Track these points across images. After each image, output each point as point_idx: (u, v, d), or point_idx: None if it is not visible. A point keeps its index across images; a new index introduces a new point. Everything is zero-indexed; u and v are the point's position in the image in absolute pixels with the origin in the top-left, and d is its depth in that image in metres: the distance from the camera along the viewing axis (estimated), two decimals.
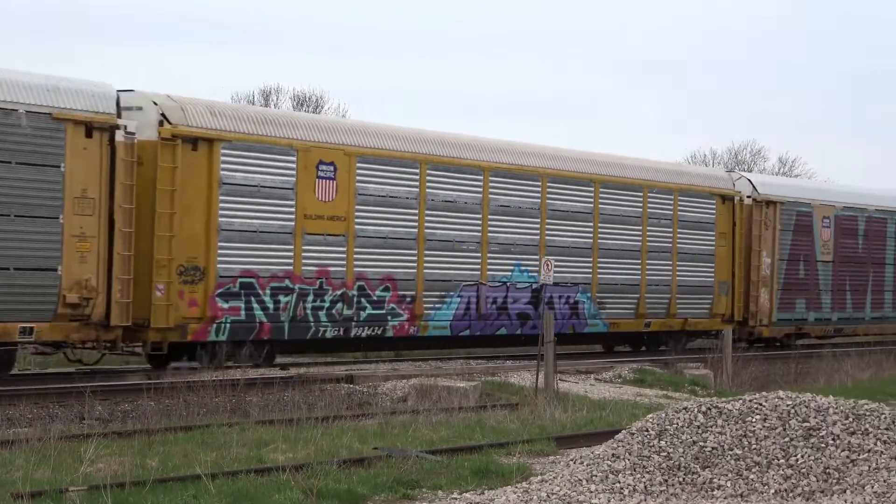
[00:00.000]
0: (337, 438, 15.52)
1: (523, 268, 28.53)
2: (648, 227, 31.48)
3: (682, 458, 12.12)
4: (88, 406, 18.47)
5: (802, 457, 11.87)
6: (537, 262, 28.27)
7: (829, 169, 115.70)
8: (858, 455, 11.76)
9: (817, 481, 11.59)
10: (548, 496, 11.73)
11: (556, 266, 27.01)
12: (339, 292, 24.84)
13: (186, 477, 12.29)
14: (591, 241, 30.12)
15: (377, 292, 25.56)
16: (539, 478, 12.60)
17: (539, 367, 22.04)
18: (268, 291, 23.65)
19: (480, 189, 27.64)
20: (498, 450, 14.91)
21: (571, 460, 12.89)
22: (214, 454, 14.11)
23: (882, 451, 11.75)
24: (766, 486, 11.65)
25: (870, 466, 11.60)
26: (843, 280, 37.52)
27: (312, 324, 24.45)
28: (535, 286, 28.59)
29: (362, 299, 25.29)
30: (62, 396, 18.92)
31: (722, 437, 12.26)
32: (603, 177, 30.58)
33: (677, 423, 12.54)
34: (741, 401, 12.75)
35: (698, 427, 12.44)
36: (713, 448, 12.18)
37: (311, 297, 24.35)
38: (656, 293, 31.64)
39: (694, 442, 12.27)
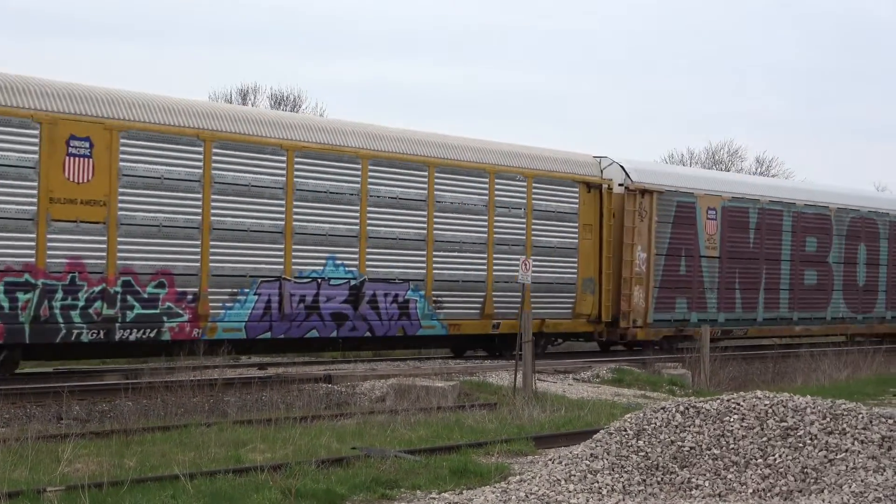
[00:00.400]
0: (315, 438, 15.50)
1: (339, 261, 25.12)
2: (496, 218, 28.12)
3: (660, 458, 12.13)
4: (66, 406, 18.42)
5: (780, 456, 11.89)
6: (356, 256, 25.35)
7: (807, 169, 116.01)
8: (836, 455, 11.79)
9: (795, 481, 11.62)
10: (526, 496, 11.74)
11: (380, 260, 25.50)
12: (97, 288, 21.38)
13: (164, 477, 12.26)
14: (426, 231, 26.71)
15: (149, 289, 22.14)
16: (517, 478, 12.60)
17: (517, 367, 22.04)
18: (0, 287, 20.27)
19: (284, 171, 24.29)
20: (476, 450, 14.91)
21: (550, 460, 12.90)
22: (192, 454, 14.09)
23: (859, 451, 11.78)
24: (744, 486, 11.67)
25: (847, 466, 11.63)
26: (731, 277, 34.28)
27: (62, 325, 20.96)
28: (354, 282, 25.31)
29: (129, 297, 21.82)
30: (39, 396, 18.85)
31: (700, 436, 12.29)
32: (439, 160, 27.13)
33: (655, 423, 12.56)
34: (719, 400, 12.77)
35: (676, 427, 12.46)
36: (691, 448, 12.20)
37: (59, 295, 20.90)
38: (506, 291, 28.14)
39: (672, 441, 12.29)
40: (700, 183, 34.03)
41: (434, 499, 12.09)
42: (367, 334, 25.56)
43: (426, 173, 26.81)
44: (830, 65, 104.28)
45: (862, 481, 11.39)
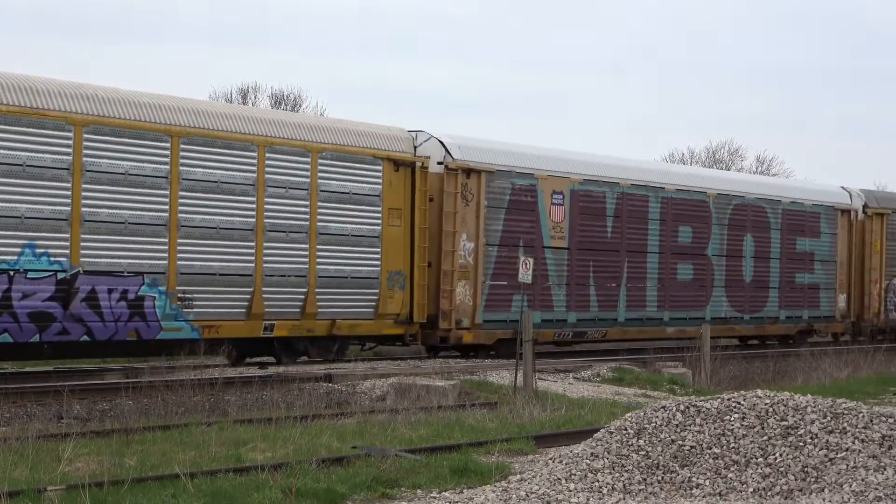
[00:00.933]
0: (316, 437, 15.51)
1: (41, 250, 20.82)
2: (269, 199, 23.81)
3: (660, 457, 12.13)
4: (66, 405, 18.42)
5: (781, 455, 11.89)
6: (66, 243, 21.13)
7: (807, 169, 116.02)
8: (836, 454, 11.79)
9: (795, 480, 11.61)
10: (527, 495, 11.74)
11: (100, 248, 21.50)
12: None
13: (165, 476, 12.26)
14: (167, 215, 22.52)
15: None
16: (518, 477, 12.60)
17: (518, 366, 22.04)
18: None
19: None
20: (477, 449, 14.91)
21: (550, 459, 12.90)
22: (193, 453, 14.09)
23: (860, 450, 11.78)
24: (745, 485, 11.67)
25: (848, 465, 11.63)
26: (584, 272, 29.99)
27: None
28: (63, 275, 21.04)
29: None
30: (40, 395, 18.85)
31: (700, 435, 12.28)
32: (185, 129, 22.75)
33: (656, 422, 12.55)
34: (719, 399, 12.77)
35: (677, 426, 12.46)
36: (692, 447, 12.19)
37: None
38: (282, 286, 24.03)
39: (672, 441, 12.29)
40: (543, 163, 29.41)
41: (434, 498, 12.09)
42: (85, 338, 21.48)
43: (167, 145, 22.44)
44: (831, 65, 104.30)
45: (862, 480, 11.39)
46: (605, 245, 30.59)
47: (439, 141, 27.35)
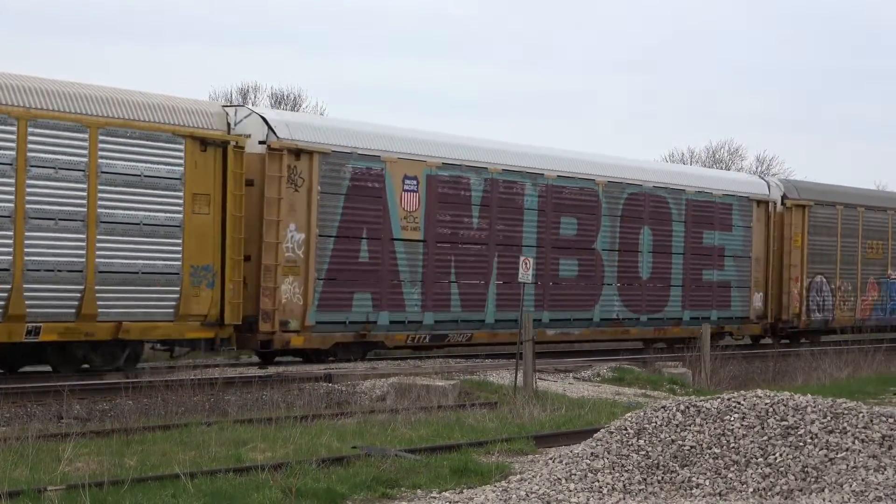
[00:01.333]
0: (316, 437, 15.51)
1: None
2: (31, 181, 20.27)
3: (660, 457, 12.13)
4: (66, 405, 18.41)
5: (781, 455, 11.89)
6: None
7: (808, 169, 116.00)
8: (837, 454, 11.79)
9: (796, 480, 11.61)
10: (527, 495, 11.74)
11: None
12: None
13: (165, 476, 12.26)
14: None
15: None
16: (518, 477, 12.60)
17: (518, 366, 22.03)
18: None
19: None
20: (477, 449, 14.91)
21: (550, 459, 12.90)
22: (193, 453, 14.09)
23: (860, 450, 11.78)
24: (745, 485, 11.67)
25: (848, 465, 11.63)
26: (444, 267, 26.53)
27: None
28: None
29: None
30: (40, 395, 18.84)
31: (700, 435, 12.28)
32: None
33: (656, 422, 12.55)
34: (719, 399, 12.77)
35: (677, 426, 12.46)
36: (692, 447, 12.19)
37: None
38: (50, 283, 20.57)
39: (672, 441, 12.28)
40: (392, 144, 25.77)
41: (434, 498, 12.09)
42: None
43: None
44: (831, 65, 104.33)
45: (862, 480, 11.39)
46: (470, 238, 27.09)
47: (262, 117, 23.98)
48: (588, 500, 11.57)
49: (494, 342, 28.39)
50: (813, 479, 11.59)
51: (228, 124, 23.25)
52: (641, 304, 31.29)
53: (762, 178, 36.47)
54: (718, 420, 12.42)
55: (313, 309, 24.11)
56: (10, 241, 20.15)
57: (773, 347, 34.51)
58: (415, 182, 25.80)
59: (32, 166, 20.44)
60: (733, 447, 12.10)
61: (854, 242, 37.77)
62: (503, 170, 27.69)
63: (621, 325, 30.89)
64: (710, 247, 33.09)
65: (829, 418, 12.24)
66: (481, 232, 27.25)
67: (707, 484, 11.76)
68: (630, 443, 12.37)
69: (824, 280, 36.63)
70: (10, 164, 20.20)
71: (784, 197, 35.50)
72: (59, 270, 20.79)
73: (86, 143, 21.05)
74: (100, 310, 21.22)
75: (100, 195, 21.24)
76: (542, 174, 28.74)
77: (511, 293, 27.27)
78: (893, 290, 39.56)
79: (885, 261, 39.04)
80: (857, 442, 11.91)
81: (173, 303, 22.27)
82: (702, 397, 13.18)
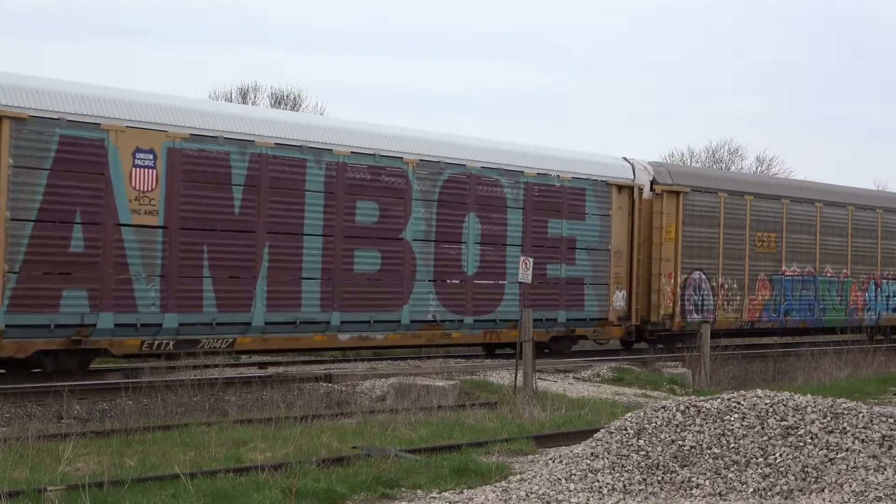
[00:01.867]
0: (316, 437, 15.51)
1: None
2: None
3: (660, 457, 12.13)
4: (66, 405, 18.42)
5: (781, 455, 11.89)
6: None
7: (807, 169, 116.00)
8: (836, 454, 11.79)
9: (796, 480, 11.62)
10: (527, 495, 11.74)
11: None
12: None
13: (165, 476, 12.26)
14: None
15: None
16: (518, 477, 12.61)
17: (518, 366, 22.03)
18: None
19: None
20: (477, 449, 14.91)
21: (550, 459, 12.90)
22: (193, 453, 14.09)
23: (860, 450, 11.78)
24: (745, 485, 11.67)
25: (848, 465, 11.63)
26: (192, 259, 22.14)
27: None
28: None
29: None
30: (40, 395, 18.85)
31: (700, 435, 12.28)
32: None
33: (656, 422, 12.56)
34: (719, 399, 12.78)
35: (677, 426, 12.46)
36: (692, 447, 12.19)
37: None
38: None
39: (672, 441, 12.29)
40: (119, 109, 21.32)
41: (435, 498, 12.09)
42: None
43: None
44: (831, 65, 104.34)
45: (862, 480, 11.39)
46: (230, 224, 22.68)
47: None
48: (588, 500, 11.57)
49: (272, 349, 24.07)
50: (813, 480, 11.59)
51: None
52: (466, 303, 26.78)
53: (626, 161, 31.14)
54: (718, 420, 12.43)
55: (3, 310, 19.78)
56: None
57: (774, 348, 34.48)
58: (151, 156, 21.48)
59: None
60: (733, 447, 12.10)
61: (741, 234, 33.24)
62: (276, 144, 23.31)
63: (440, 328, 26.30)
64: (556, 238, 28.60)
65: (829, 418, 12.25)
66: (246, 217, 22.90)
67: (707, 484, 11.77)
68: (630, 443, 12.38)
69: (703, 276, 32.21)
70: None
71: (654, 182, 31.20)
72: None
73: None
74: None
75: None
76: (331, 150, 24.28)
77: (288, 291, 23.57)
78: (788, 289, 34.95)
79: (778, 255, 34.43)
80: (857, 442, 11.92)
81: None
82: (702, 397, 13.19)
